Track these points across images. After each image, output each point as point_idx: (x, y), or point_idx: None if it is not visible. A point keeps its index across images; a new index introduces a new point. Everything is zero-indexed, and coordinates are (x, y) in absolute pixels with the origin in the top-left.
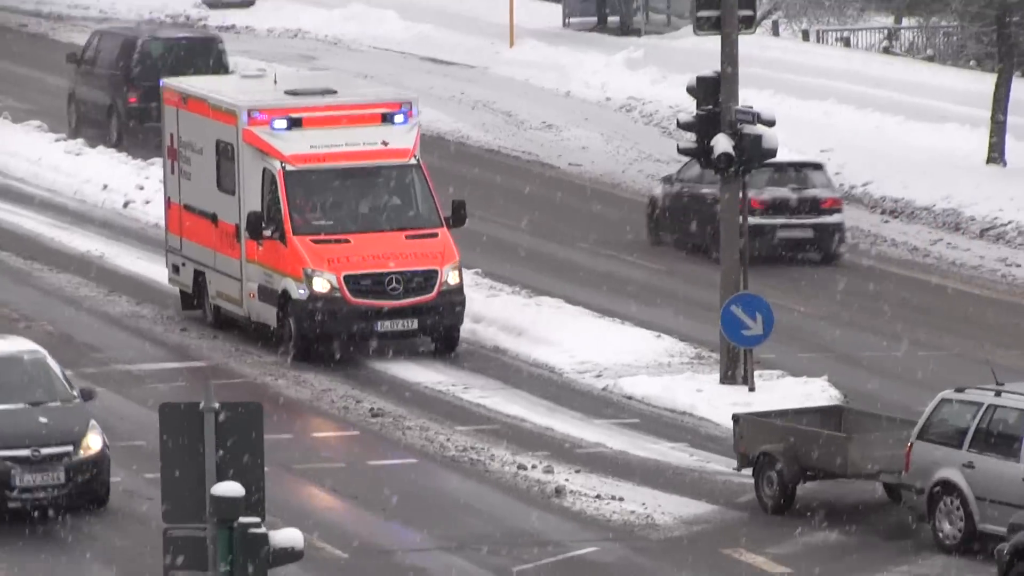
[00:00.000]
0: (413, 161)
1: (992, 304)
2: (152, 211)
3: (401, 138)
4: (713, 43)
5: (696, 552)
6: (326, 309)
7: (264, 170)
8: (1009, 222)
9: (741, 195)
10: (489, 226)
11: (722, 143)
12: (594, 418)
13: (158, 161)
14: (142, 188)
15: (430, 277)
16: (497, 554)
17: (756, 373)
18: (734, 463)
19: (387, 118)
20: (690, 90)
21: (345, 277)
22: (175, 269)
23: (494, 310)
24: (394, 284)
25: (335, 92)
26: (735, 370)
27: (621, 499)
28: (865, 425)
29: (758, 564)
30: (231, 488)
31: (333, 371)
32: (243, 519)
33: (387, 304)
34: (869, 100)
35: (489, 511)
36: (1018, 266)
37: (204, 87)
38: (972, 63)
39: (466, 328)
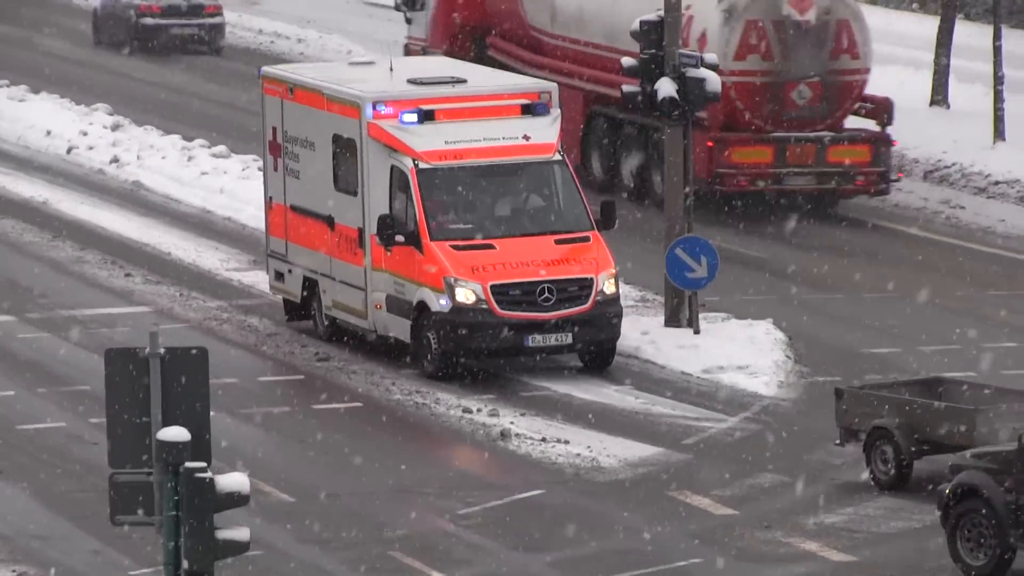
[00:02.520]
0: (558, 157)
1: (935, 245)
2: (96, 157)
3: (544, 132)
4: None
5: (641, 494)
6: (471, 323)
7: (392, 168)
8: (953, 164)
9: (686, 138)
10: None
11: (666, 87)
12: (540, 364)
13: (102, 106)
14: (85, 134)
15: (585, 286)
16: (443, 497)
17: (700, 316)
18: (679, 405)
19: (528, 109)
20: (633, 34)
21: (492, 287)
22: (278, 276)
23: None
24: (546, 294)
25: (464, 81)
26: (680, 313)
27: (566, 442)
28: (966, 397)
29: (703, 506)
30: (177, 433)
31: (278, 315)
32: (189, 464)
33: (539, 316)
34: None
35: (435, 455)
36: (962, 208)
37: (313, 75)
38: (915, 6)
39: None
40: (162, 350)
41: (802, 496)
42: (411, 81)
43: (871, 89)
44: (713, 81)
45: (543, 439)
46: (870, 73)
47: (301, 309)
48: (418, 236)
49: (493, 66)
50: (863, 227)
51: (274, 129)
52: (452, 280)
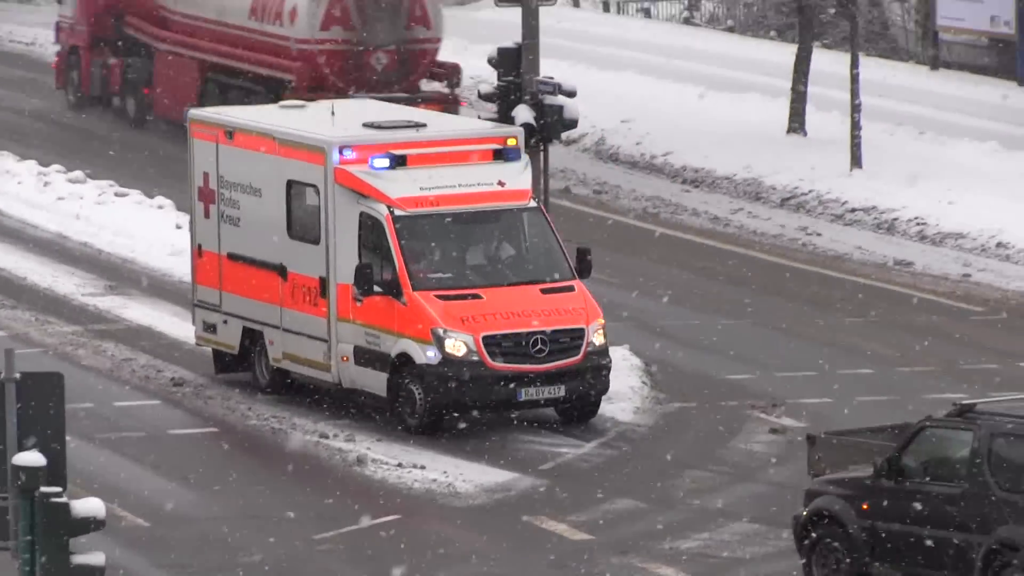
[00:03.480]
0: (533, 204)
1: (793, 272)
2: None
3: (517, 178)
4: (514, 14)
5: (498, 520)
6: (462, 375)
7: (362, 215)
8: (809, 191)
9: (543, 165)
10: None
11: (523, 114)
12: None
13: None
14: None
15: (576, 337)
16: (299, 522)
17: None
18: (538, 430)
19: (500, 155)
20: (491, 61)
21: (484, 338)
22: (208, 327)
23: None
24: (539, 345)
25: (425, 125)
26: None
27: (423, 467)
28: None
29: (559, 531)
30: (32, 458)
31: (133, 340)
32: (44, 488)
33: (532, 368)
34: (670, 71)
35: (291, 480)
36: (819, 235)
37: (252, 119)
38: (772, 34)
39: None
40: (17, 375)
41: (658, 521)
42: (368, 125)
43: (727, 118)
44: (571, 108)
45: (399, 464)
46: (441, 42)
47: (238, 361)
48: (398, 285)
49: (128, 41)
50: (720, 253)
51: (206, 175)
52: (441, 331)
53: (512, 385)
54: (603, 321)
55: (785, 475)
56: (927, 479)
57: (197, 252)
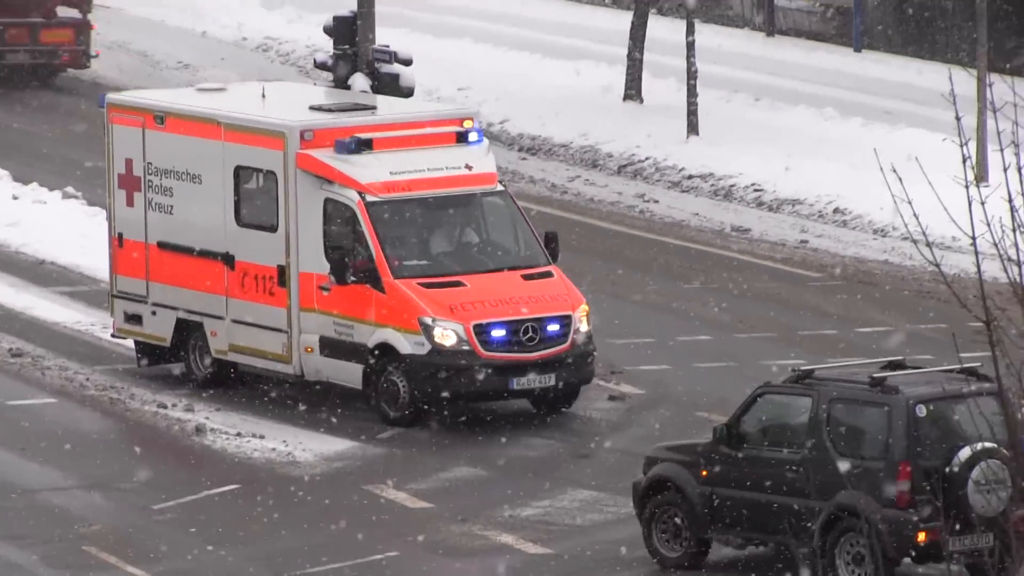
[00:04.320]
0: (502, 188)
1: (630, 239)
2: None
3: (483, 161)
4: None
5: (338, 488)
6: (453, 365)
7: (328, 201)
8: (646, 158)
9: None
10: None
11: (359, 82)
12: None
13: None
14: None
15: (565, 324)
16: (138, 492)
17: None
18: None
19: (462, 137)
20: (327, 30)
21: (475, 327)
22: (131, 318)
23: None
24: (531, 333)
25: (375, 108)
26: None
27: (262, 437)
28: None
29: (400, 500)
30: None
31: None
32: None
33: (523, 357)
34: (506, 39)
35: (130, 450)
36: (656, 202)
37: (178, 103)
38: (608, 1)
39: (104, 268)
40: None
41: (497, 489)
42: (316, 108)
43: (564, 85)
44: (407, 76)
45: (239, 434)
46: None
47: (169, 353)
48: (376, 273)
49: None
50: (558, 221)
51: (128, 161)
52: (430, 320)
53: (503, 375)
54: (587, 308)
55: (625, 442)
56: (766, 445)
57: (117, 241)
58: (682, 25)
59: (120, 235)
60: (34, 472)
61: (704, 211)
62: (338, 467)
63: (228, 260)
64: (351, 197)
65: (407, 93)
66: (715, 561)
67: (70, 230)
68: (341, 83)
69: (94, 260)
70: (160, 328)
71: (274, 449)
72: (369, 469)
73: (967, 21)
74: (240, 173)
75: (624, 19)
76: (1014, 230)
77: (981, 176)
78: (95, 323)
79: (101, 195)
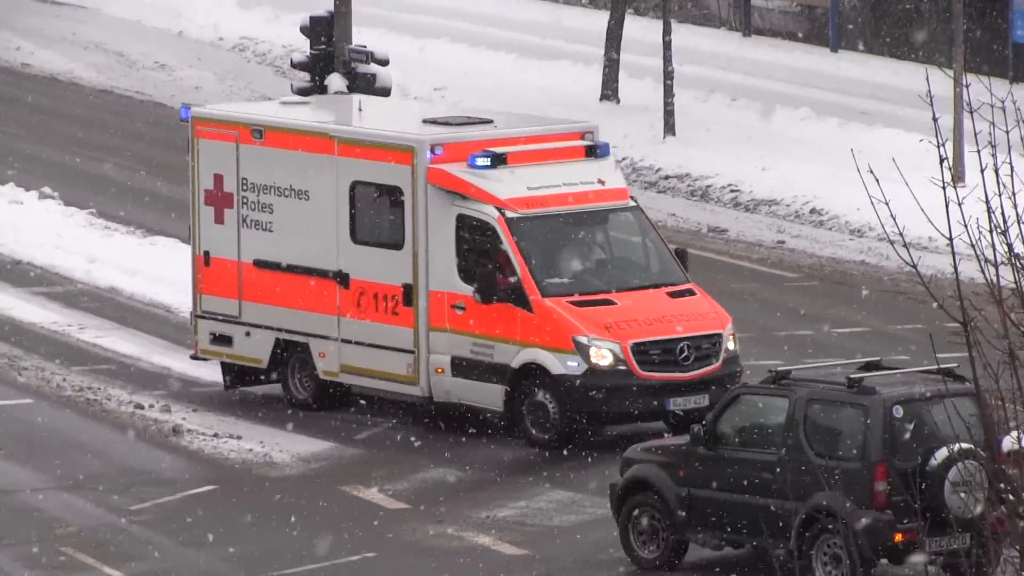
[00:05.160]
0: (633, 203)
1: None
2: None
3: (614, 176)
4: None
5: (314, 489)
6: (609, 385)
7: (460, 217)
8: (623, 158)
9: None
10: (103, 166)
11: (336, 82)
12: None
13: None
14: None
15: (716, 343)
16: (115, 493)
17: None
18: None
19: (591, 151)
20: (303, 30)
21: (632, 346)
22: (219, 339)
23: (109, 250)
24: (686, 353)
25: (492, 121)
26: None
27: (239, 437)
28: None
29: (376, 500)
30: None
31: None
32: None
33: (679, 377)
34: (482, 39)
35: (107, 451)
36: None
37: (277, 116)
38: (584, 1)
39: (82, 268)
40: None
41: (474, 490)
42: (431, 122)
43: (541, 85)
44: (384, 77)
45: (216, 435)
46: None
47: (263, 374)
48: (521, 292)
49: None
50: None
51: (218, 177)
52: (585, 339)
53: (660, 395)
54: (732, 326)
55: (602, 443)
56: (743, 446)
57: (203, 260)
58: (658, 25)
59: (206, 253)
60: (12, 473)
61: (681, 211)
62: (315, 468)
63: (342, 279)
64: (489, 213)
65: (384, 93)
66: (692, 562)
67: (47, 230)
68: (317, 84)
69: (71, 261)
70: (255, 349)
71: (251, 450)
72: (346, 470)
73: (944, 22)
74: (357, 189)
75: (600, 19)
76: (991, 231)
77: (958, 177)
78: (72, 324)
79: (78, 194)
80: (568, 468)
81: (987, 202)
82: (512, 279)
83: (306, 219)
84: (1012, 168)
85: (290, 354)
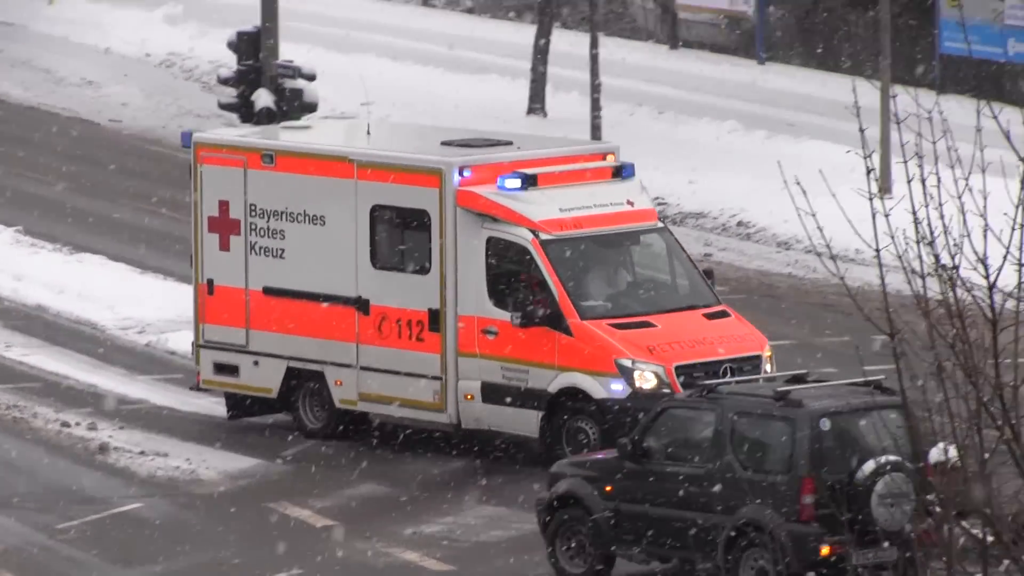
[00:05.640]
0: (661, 224)
1: None
2: None
3: (640, 197)
4: None
5: (241, 506)
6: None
7: (491, 240)
8: None
9: None
10: (29, 183)
11: (263, 98)
12: (138, 374)
13: None
14: None
15: (756, 365)
16: (41, 511)
17: None
18: (278, 416)
19: (618, 173)
20: (230, 45)
21: (676, 369)
22: (224, 369)
23: (36, 267)
24: (729, 375)
25: (511, 143)
26: None
27: (166, 455)
28: None
29: (303, 517)
30: None
31: None
32: None
33: None
34: (409, 53)
35: (32, 469)
36: None
37: (289, 141)
38: (511, 15)
39: (8, 286)
40: None
41: (402, 506)
42: (449, 144)
43: (468, 99)
44: (311, 92)
45: (142, 452)
46: None
47: (272, 404)
48: (559, 315)
49: None
50: None
51: (224, 203)
52: (629, 363)
53: None
54: (769, 348)
55: (528, 458)
56: (671, 460)
57: (206, 288)
58: (585, 39)
59: (210, 281)
60: None
61: None
62: (242, 485)
63: (361, 305)
64: (523, 235)
65: (311, 108)
66: None
67: None
68: (244, 99)
69: None
70: (264, 379)
71: (177, 467)
72: (273, 486)
73: (871, 33)
74: (378, 213)
75: (527, 33)
76: (918, 242)
77: (885, 188)
78: None
79: (4, 212)
80: (496, 483)
81: (914, 213)
82: (549, 303)
83: (322, 245)
84: (939, 179)
85: (302, 383)
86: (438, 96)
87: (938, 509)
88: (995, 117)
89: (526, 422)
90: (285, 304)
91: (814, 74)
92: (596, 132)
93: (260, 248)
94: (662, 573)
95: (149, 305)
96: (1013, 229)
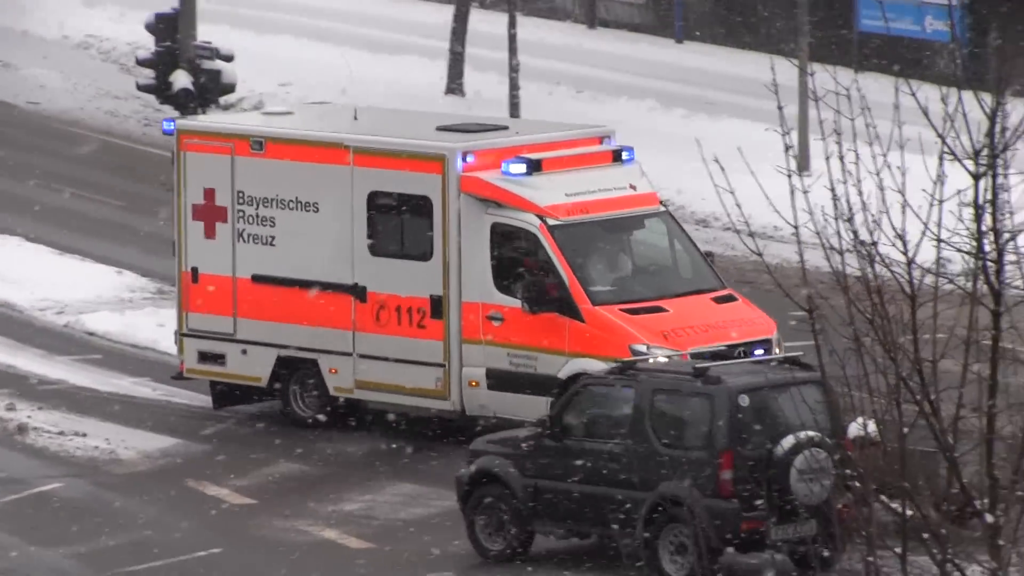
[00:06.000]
0: (663, 208)
1: None
2: None
3: (641, 181)
4: None
5: (161, 485)
6: None
7: (496, 226)
8: None
9: None
10: None
11: (181, 79)
12: (57, 355)
13: None
14: None
15: (767, 348)
16: None
17: None
18: (197, 396)
19: (618, 156)
20: (148, 27)
21: (691, 354)
22: (208, 358)
23: None
24: (743, 359)
25: (507, 128)
26: None
27: (85, 435)
28: None
29: (222, 496)
30: None
31: None
32: None
33: None
34: (328, 34)
35: None
36: None
37: (274, 127)
38: None
39: None
40: None
41: (321, 484)
42: (445, 129)
43: (387, 79)
44: (229, 72)
45: (61, 432)
46: None
47: (258, 393)
48: (569, 301)
49: None
50: None
51: (209, 191)
52: (644, 348)
53: None
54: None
55: (448, 435)
56: (590, 437)
57: (189, 276)
58: (504, 18)
59: (194, 269)
60: None
61: None
62: (161, 464)
63: (358, 292)
64: (530, 221)
65: (229, 89)
66: (538, 553)
67: None
68: (163, 80)
69: None
70: (253, 367)
71: (97, 447)
72: (192, 466)
73: (788, 11)
74: (376, 199)
75: (446, 13)
76: (836, 219)
77: (803, 165)
78: None
79: None
80: (415, 461)
81: (832, 190)
82: (559, 288)
83: (315, 232)
84: (857, 156)
85: (292, 371)
86: (357, 77)
87: (857, 484)
88: (913, 94)
89: (533, 409)
90: (276, 292)
91: (732, 52)
92: (515, 111)
93: (249, 235)
94: (581, 549)
95: (68, 286)
96: (931, 205)
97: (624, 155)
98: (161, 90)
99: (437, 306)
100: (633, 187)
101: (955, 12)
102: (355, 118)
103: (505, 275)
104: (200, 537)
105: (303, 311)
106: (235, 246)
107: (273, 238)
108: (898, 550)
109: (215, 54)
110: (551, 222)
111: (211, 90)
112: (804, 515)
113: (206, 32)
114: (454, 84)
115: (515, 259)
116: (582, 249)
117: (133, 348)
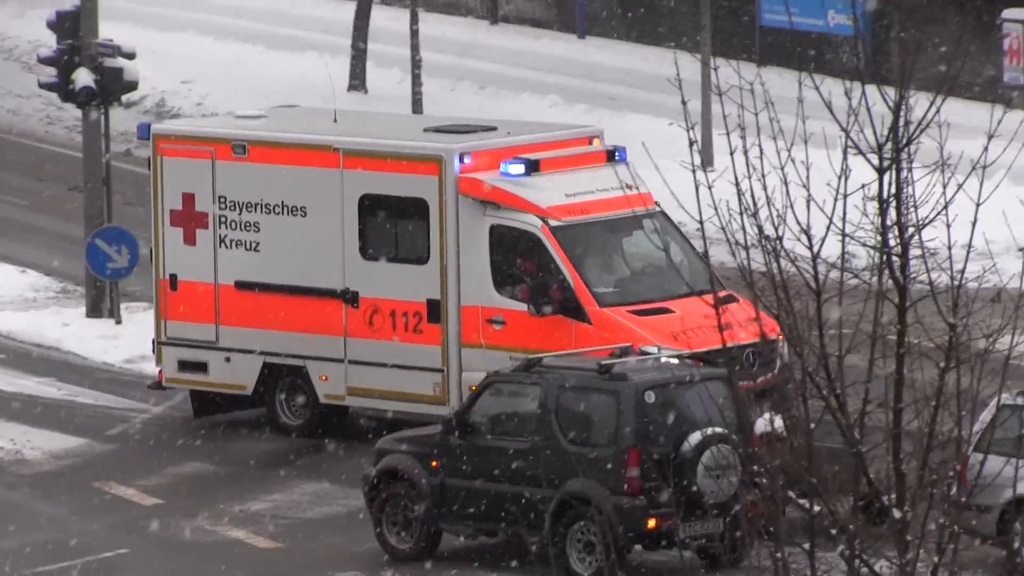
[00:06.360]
0: (659, 208)
1: None
2: None
3: (635, 180)
4: None
5: (67, 486)
6: None
7: (496, 227)
8: None
9: (104, 128)
10: None
11: (83, 77)
12: None
13: None
14: None
15: (774, 350)
16: None
17: (122, 306)
18: (103, 395)
19: (611, 157)
20: (50, 25)
21: (704, 354)
22: (188, 366)
23: None
24: (751, 360)
25: (495, 128)
26: (102, 303)
27: None
28: None
29: (129, 496)
30: None
31: None
32: None
33: (747, 385)
34: (230, 30)
35: None
36: None
37: (260, 130)
38: None
39: None
40: None
41: (228, 484)
42: (433, 130)
43: (289, 76)
44: (131, 70)
45: None
46: None
47: (243, 401)
48: (575, 302)
49: None
50: None
51: (188, 196)
52: (655, 350)
53: None
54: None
55: (354, 434)
56: (496, 435)
57: (168, 284)
58: (406, 14)
59: (173, 276)
60: None
61: None
62: (67, 464)
63: (350, 297)
64: (532, 223)
65: (131, 87)
66: (446, 552)
67: None
68: (64, 78)
69: None
70: (237, 375)
71: (2, 447)
72: (98, 466)
73: (690, 7)
74: (368, 202)
75: (348, 9)
76: (741, 213)
77: (707, 160)
78: None
79: None
80: (321, 460)
81: (737, 185)
82: (563, 290)
83: (302, 236)
84: (761, 150)
85: (277, 380)
86: (259, 73)
87: (764, 480)
88: (816, 88)
89: None
90: (260, 298)
91: (635, 48)
92: (417, 107)
93: (231, 241)
94: (489, 548)
95: None
96: (836, 199)
97: (617, 155)
98: (63, 88)
99: (434, 310)
100: (629, 187)
101: (858, 6)
102: (335, 120)
103: (505, 277)
104: (107, 537)
105: (290, 317)
106: (216, 252)
107: (258, 244)
108: (806, 546)
109: (117, 52)
110: (553, 223)
111: (113, 88)
112: (712, 512)
113: (108, 30)
114: (356, 80)
115: (515, 261)
116: (583, 250)
117: (38, 348)
